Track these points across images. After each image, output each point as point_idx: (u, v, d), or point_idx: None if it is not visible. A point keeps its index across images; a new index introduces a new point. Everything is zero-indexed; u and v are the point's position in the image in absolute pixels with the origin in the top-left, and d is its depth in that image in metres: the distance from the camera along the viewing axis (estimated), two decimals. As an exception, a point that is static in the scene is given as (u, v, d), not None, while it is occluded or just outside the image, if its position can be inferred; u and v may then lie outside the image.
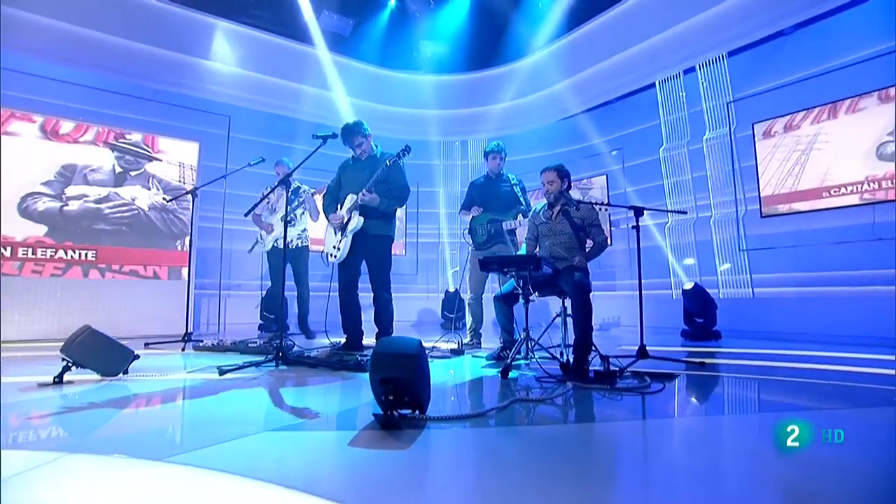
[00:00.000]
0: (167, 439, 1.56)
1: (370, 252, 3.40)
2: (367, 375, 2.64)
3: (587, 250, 3.14)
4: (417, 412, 1.69)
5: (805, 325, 4.44)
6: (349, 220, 3.37)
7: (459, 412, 1.87)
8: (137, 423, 1.73)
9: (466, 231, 4.18)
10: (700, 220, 5.43)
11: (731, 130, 5.27)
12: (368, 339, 3.48)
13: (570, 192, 3.26)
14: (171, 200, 4.25)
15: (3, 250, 3.80)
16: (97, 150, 4.29)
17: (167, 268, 4.48)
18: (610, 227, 5.88)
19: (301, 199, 4.34)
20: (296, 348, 3.52)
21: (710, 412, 2.03)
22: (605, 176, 5.95)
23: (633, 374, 2.60)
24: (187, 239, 4.60)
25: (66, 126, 4.15)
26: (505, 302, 3.13)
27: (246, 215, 3.14)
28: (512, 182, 4.11)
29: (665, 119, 5.83)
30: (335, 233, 3.42)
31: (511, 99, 7.03)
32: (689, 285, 4.57)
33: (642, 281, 3.20)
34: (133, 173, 4.41)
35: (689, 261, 5.44)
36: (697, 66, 5.51)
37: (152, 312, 3.81)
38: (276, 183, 3.00)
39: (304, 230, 4.41)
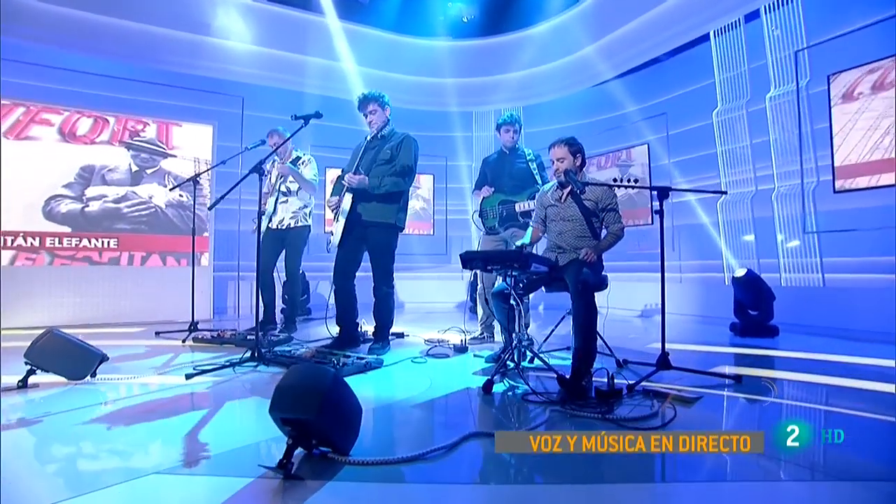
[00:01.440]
0: (46, 482, 1.36)
1: (368, 241, 3.13)
2: (348, 381, 2.47)
3: (603, 240, 2.64)
4: (337, 454, 1.40)
5: (889, 322, 3.61)
6: (341, 201, 3.12)
7: (401, 446, 1.56)
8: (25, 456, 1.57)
9: (476, 214, 3.79)
10: (760, 194, 4.61)
11: (804, 85, 4.36)
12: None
13: (583, 169, 2.76)
14: (174, 188, 4.14)
15: (32, 241, 3.95)
16: (113, 150, 4.35)
17: (187, 254, 4.49)
18: (651, 203, 5.17)
19: (300, 171, 3.88)
20: (293, 342, 3.38)
21: (733, 475, 1.43)
22: (646, 146, 5.21)
23: (644, 394, 2.13)
24: (205, 229, 4.60)
25: (83, 127, 4.23)
26: (503, 299, 2.72)
27: (210, 209, 2.93)
28: (528, 157, 3.63)
29: (721, 77, 4.97)
30: (335, 217, 3.19)
31: (536, 65, 6.36)
32: (740, 272, 3.87)
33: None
34: (149, 171, 4.44)
35: (748, 237, 4.65)
36: (762, 10, 4.59)
37: (174, 299, 3.80)
38: (256, 164, 2.72)
39: (303, 207, 3.92)
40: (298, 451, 1.43)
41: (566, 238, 2.68)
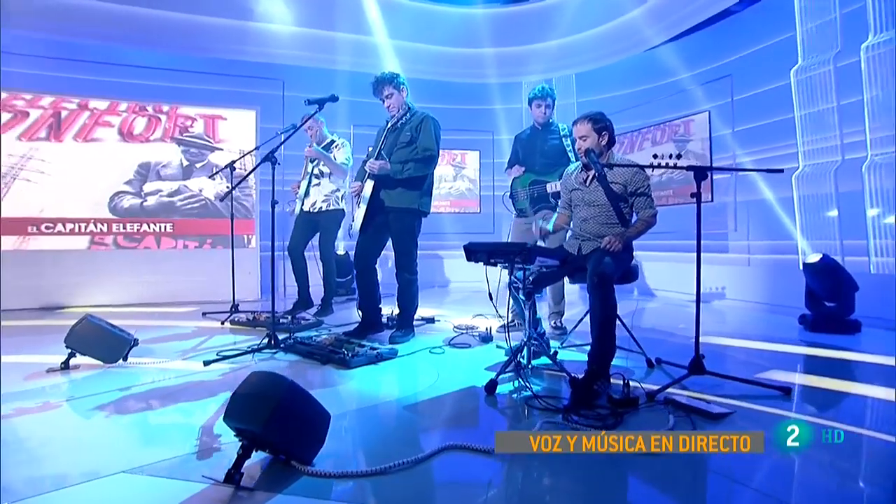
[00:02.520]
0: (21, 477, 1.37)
1: (391, 227, 3.06)
2: (353, 373, 2.45)
3: (631, 227, 2.33)
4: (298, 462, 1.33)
5: None
6: (362, 187, 3.08)
7: (374, 454, 1.46)
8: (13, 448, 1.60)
9: (507, 195, 3.58)
10: (847, 164, 3.88)
11: (908, 29, 3.56)
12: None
13: (611, 148, 2.44)
14: (213, 175, 4.29)
15: (101, 227, 4.41)
16: (166, 147, 4.61)
17: (237, 237, 4.70)
18: (711, 180, 4.57)
19: (332, 155, 3.85)
20: (321, 326, 3.41)
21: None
22: (706, 114, 4.58)
23: (665, 404, 1.86)
24: (251, 213, 4.80)
25: (139, 126, 4.52)
26: (519, 290, 2.52)
27: (222, 200, 2.95)
28: (562, 133, 3.35)
29: (805, 27, 4.20)
30: (357, 202, 3.16)
31: (584, 29, 5.80)
32: (814, 257, 3.30)
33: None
34: (198, 165, 4.67)
35: (832, 213, 3.97)
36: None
37: (225, 279, 3.97)
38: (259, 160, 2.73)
39: (335, 191, 3.89)
40: (266, 455, 1.39)
41: (590, 225, 2.41)
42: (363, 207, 3.07)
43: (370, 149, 3.22)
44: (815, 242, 4.02)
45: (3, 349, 2.80)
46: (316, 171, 3.91)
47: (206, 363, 2.46)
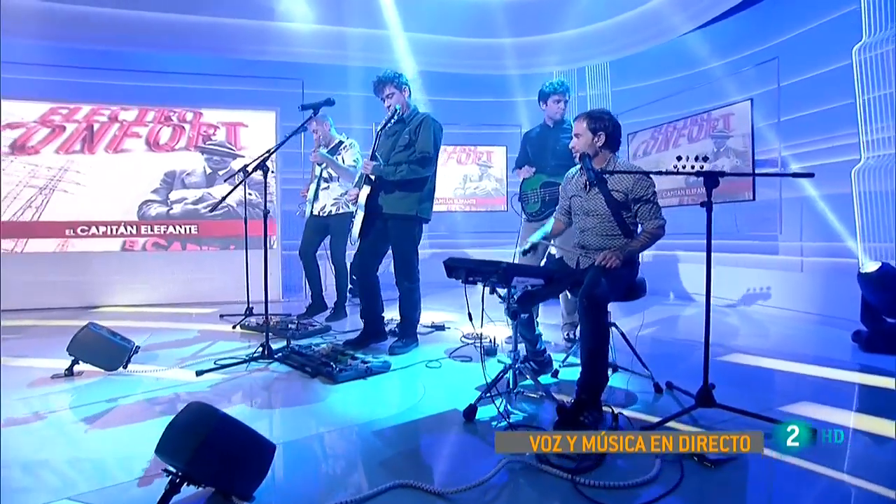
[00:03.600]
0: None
1: (390, 234, 3.00)
2: (338, 388, 2.39)
3: (633, 240, 2.11)
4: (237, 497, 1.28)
5: None
6: (359, 193, 3.04)
7: (322, 489, 1.39)
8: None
9: (517, 197, 3.42)
10: (919, 155, 3.37)
11: None
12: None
13: (614, 151, 2.22)
14: (227, 180, 4.41)
15: (131, 230, 4.70)
16: (190, 155, 4.79)
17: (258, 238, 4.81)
18: (753, 178, 4.12)
19: (340, 157, 3.78)
20: (328, 333, 3.41)
21: None
22: (748, 102, 4.14)
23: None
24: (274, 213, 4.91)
25: (165, 136, 4.72)
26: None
27: (211, 212, 2.98)
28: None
29: (868, -1, 3.69)
30: (356, 209, 3.13)
31: (614, 15, 5.43)
32: (872, 266, 2.89)
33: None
34: (221, 172, 4.81)
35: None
36: None
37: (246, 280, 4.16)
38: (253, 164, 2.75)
39: (344, 193, 3.78)
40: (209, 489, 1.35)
41: (589, 237, 2.21)
42: (360, 214, 3.03)
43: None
44: (877, 245, 3.53)
45: (30, 350, 2.99)
46: (325, 175, 3.91)
47: (199, 373, 2.49)
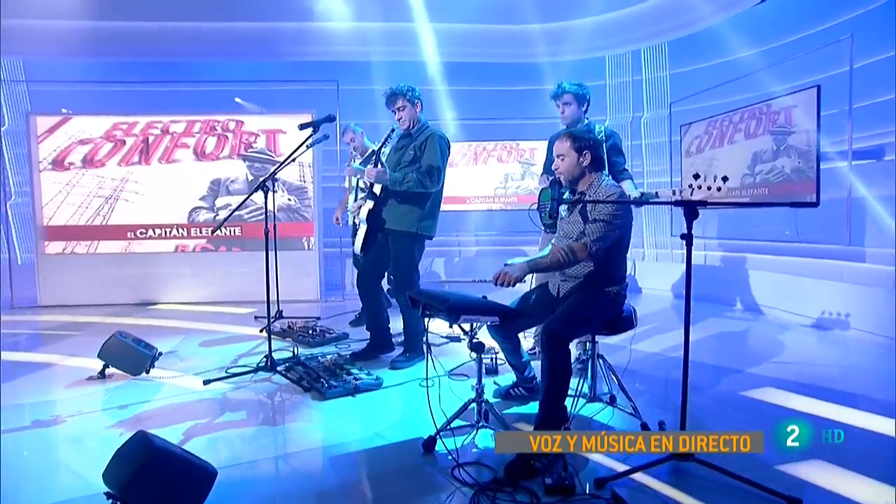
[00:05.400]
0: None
1: (390, 249, 3.09)
2: (324, 406, 2.51)
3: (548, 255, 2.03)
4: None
5: None
6: (361, 207, 3.18)
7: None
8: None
9: (534, 207, 3.33)
10: None
11: None
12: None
13: (598, 170, 2.09)
14: (250, 194, 4.73)
15: (182, 232, 5.25)
16: (233, 164, 5.20)
17: (298, 239, 5.26)
18: (818, 175, 3.58)
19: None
20: (343, 340, 3.61)
21: None
22: (815, 89, 3.60)
23: (614, 501, 1.56)
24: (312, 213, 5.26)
25: (210, 145, 5.18)
26: (496, 331, 2.30)
27: (212, 233, 3.23)
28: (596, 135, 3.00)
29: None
30: (357, 224, 3.32)
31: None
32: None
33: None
34: (262, 179, 5.18)
35: None
36: None
37: (288, 279, 4.38)
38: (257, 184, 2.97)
39: None
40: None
41: (566, 263, 2.10)
42: (363, 228, 3.14)
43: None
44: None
45: (84, 348, 3.40)
46: (361, 185, 4.11)
47: (206, 382, 2.75)
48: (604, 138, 2.99)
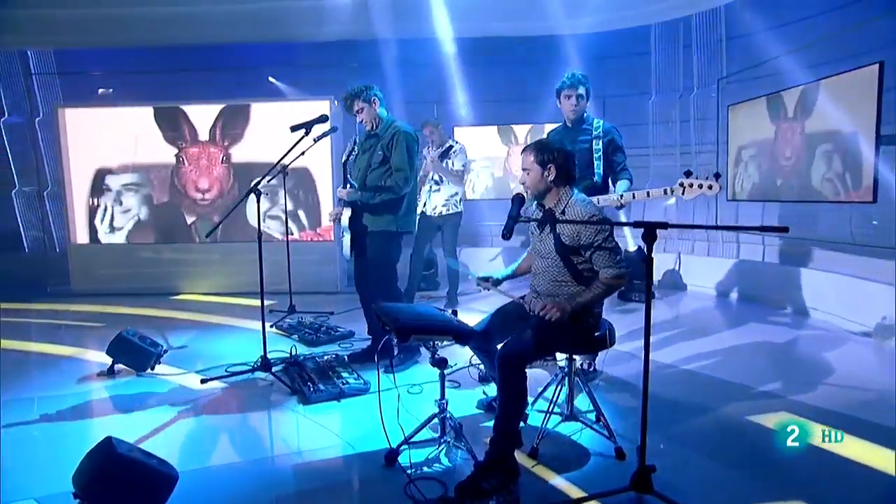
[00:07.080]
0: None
1: (370, 249, 3.20)
2: (306, 410, 2.65)
3: (586, 291, 1.97)
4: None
5: None
6: (340, 214, 3.38)
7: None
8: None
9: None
10: None
11: None
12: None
13: (567, 185, 2.07)
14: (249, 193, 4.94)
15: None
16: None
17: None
18: (875, 168, 3.26)
19: (450, 161, 4.49)
20: (350, 339, 3.77)
21: None
22: (877, 66, 3.26)
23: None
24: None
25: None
26: (473, 344, 2.34)
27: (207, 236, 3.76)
28: (594, 132, 2.95)
29: None
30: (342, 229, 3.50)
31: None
32: None
33: None
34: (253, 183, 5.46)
35: None
36: None
37: (307, 269, 4.87)
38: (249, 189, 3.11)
39: (454, 195, 4.54)
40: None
41: (540, 280, 2.12)
42: (348, 235, 3.32)
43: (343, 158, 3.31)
44: None
45: (105, 342, 3.59)
46: (435, 178, 4.55)
47: (204, 381, 2.97)
48: (601, 133, 2.92)
